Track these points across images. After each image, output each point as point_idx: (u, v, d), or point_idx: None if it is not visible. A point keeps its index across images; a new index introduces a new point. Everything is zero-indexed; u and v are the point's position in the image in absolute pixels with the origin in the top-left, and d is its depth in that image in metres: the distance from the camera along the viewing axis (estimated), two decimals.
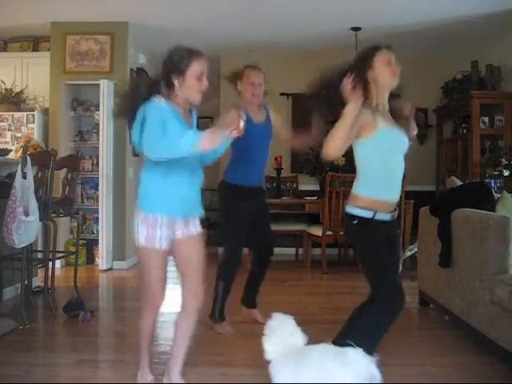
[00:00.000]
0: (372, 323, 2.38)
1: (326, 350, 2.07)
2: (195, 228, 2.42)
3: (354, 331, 2.37)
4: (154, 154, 2.18)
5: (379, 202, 2.37)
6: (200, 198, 2.45)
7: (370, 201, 2.36)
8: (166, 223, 2.29)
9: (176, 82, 2.29)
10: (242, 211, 3.44)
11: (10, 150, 4.61)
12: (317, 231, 5.77)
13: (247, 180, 3.47)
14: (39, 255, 4.40)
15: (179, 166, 2.27)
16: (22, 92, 5.92)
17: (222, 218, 3.68)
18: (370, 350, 2.12)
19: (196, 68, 2.29)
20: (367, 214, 2.36)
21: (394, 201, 2.44)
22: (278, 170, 6.36)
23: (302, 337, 2.08)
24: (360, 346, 2.04)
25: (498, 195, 3.67)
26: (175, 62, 2.29)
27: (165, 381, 2.48)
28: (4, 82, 5.86)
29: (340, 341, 2.27)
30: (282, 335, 2.06)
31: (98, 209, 5.76)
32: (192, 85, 2.30)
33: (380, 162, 2.38)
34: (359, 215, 2.37)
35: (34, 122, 5.85)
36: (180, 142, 2.11)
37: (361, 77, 2.33)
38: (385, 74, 2.36)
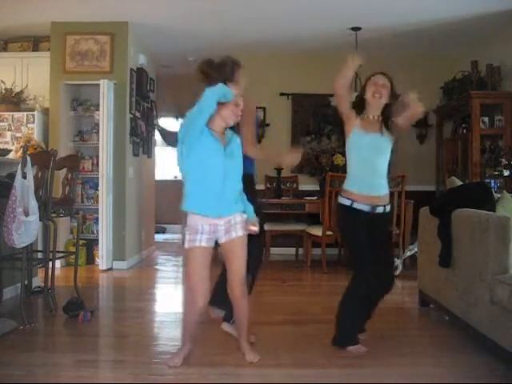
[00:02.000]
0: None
1: None
2: (236, 233, 2.71)
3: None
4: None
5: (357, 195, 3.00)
6: (236, 199, 2.72)
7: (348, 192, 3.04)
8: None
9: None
10: None
11: (10, 150, 4.60)
12: (317, 231, 5.77)
13: None
14: (39, 255, 4.40)
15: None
16: (22, 92, 5.91)
17: None
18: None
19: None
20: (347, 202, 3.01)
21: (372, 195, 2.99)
22: (278, 170, 6.35)
23: None
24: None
25: (498, 195, 3.67)
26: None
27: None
28: (4, 82, 5.84)
29: None
30: None
31: (98, 209, 5.76)
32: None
33: (355, 159, 3.09)
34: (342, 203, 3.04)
35: (33, 122, 5.84)
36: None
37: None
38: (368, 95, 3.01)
